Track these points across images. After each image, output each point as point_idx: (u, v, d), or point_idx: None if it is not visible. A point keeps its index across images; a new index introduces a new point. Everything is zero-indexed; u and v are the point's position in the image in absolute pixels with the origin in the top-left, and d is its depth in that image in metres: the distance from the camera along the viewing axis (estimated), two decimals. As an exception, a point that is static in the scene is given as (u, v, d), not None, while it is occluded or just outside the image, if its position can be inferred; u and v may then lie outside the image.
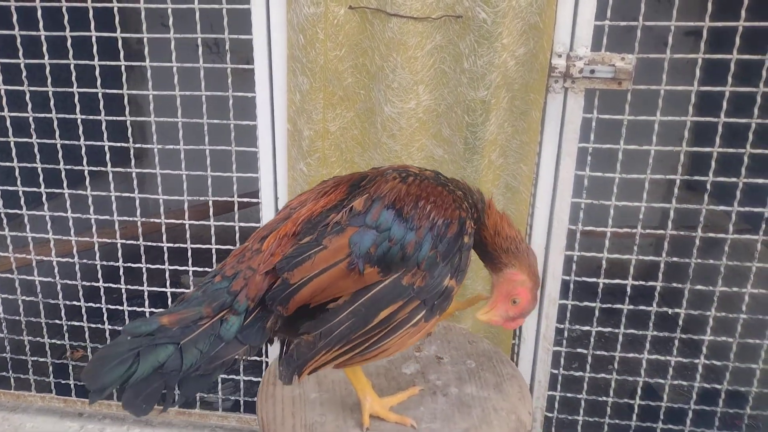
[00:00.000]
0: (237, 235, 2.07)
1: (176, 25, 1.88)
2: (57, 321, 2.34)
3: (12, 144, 2.16)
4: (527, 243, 1.36)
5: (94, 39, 1.93)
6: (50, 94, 2.06)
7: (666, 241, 1.93)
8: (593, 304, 2.01)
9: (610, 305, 2.02)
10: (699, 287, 1.94)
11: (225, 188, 2.18)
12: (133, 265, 2.21)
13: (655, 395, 2.16)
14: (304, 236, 1.20)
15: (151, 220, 2.23)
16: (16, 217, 2.30)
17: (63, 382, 2.45)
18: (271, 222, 1.29)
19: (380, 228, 1.18)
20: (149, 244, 2.22)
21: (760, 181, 1.82)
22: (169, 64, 1.94)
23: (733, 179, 1.81)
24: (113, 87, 2.04)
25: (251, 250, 1.22)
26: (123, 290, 2.25)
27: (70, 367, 2.53)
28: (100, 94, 2.01)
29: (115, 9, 1.89)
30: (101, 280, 2.27)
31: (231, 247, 1.41)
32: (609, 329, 2.07)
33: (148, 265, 2.21)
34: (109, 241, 2.30)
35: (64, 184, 2.17)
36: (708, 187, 1.85)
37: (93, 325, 2.34)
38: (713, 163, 1.82)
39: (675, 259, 1.94)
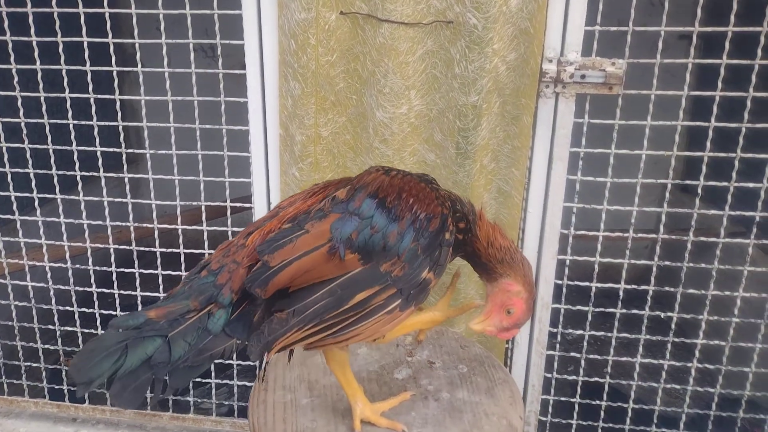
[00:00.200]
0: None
1: (172, 29, 1.88)
2: (50, 326, 2.34)
3: (4, 149, 2.15)
4: (521, 253, 1.36)
5: (85, 44, 1.93)
6: (42, 99, 2.06)
7: (658, 244, 1.93)
8: (586, 308, 2.01)
9: (602, 309, 2.02)
10: (691, 291, 1.94)
11: (218, 193, 2.18)
12: (126, 270, 2.21)
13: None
14: None
15: (144, 225, 2.23)
16: (8, 222, 2.30)
17: (56, 387, 2.45)
18: (258, 220, 1.30)
19: (362, 215, 1.19)
20: (142, 249, 2.22)
21: (751, 185, 1.83)
22: (161, 69, 1.95)
23: (725, 183, 1.82)
24: (109, 92, 2.04)
25: (236, 245, 1.23)
26: (116, 295, 2.25)
27: (64, 373, 2.52)
28: (92, 99, 2.01)
29: (107, 15, 1.89)
30: (94, 285, 2.26)
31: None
32: (602, 333, 2.07)
33: (141, 270, 2.21)
34: (102, 246, 2.30)
35: (57, 189, 2.17)
36: (699, 191, 1.85)
37: (86, 330, 2.34)
38: (704, 167, 1.82)
39: (667, 262, 1.94)
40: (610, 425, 2.15)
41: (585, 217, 1.96)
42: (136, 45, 1.95)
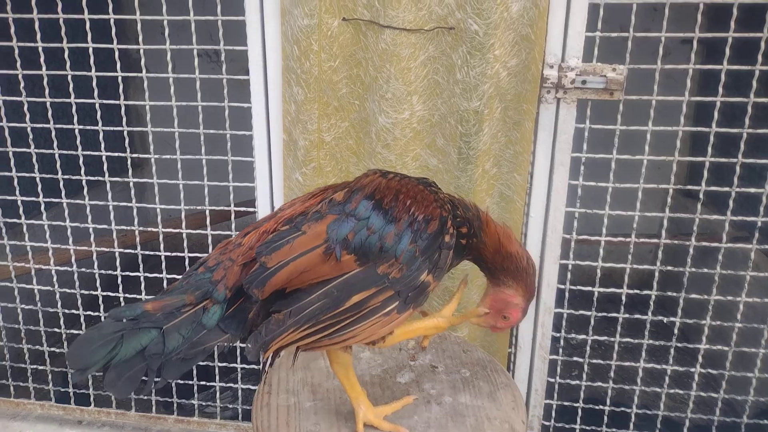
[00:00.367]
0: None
1: (177, 35, 1.90)
2: (56, 329, 2.36)
3: (11, 154, 2.18)
4: (529, 257, 1.35)
5: (91, 50, 1.95)
6: (48, 104, 2.08)
7: (660, 249, 1.93)
8: (588, 313, 2.02)
9: (605, 314, 2.02)
10: (694, 295, 1.94)
11: (222, 197, 2.19)
12: (131, 274, 2.23)
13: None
14: None
15: (149, 229, 2.25)
16: (15, 226, 2.32)
17: (62, 390, 2.46)
18: (258, 221, 1.32)
19: (359, 216, 1.20)
20: (147, 252, 2.23)
21: (753, 190, 1.83)
22: (165, 74, 1.96)
23: (726, 188, 1.82)
24: (115, 97, 2.05)
25: (234, 243, 1.25)
26: (121, 299, 2.27)
27: (69, 375, 2.54)
28: (97, 105, 2.03)
29: (112, 21, 1.90)
30: (100, 289, 2.28)
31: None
32: (605, 337, 2.07)
33: (146, 274, 2.22)
34: (108, 250, 2.32)
35: (63, 194, 2.19)
36: (701, 196, 1.86)
37: (91, 334, 2.35)
38: (705, 173, 1.83)
39: (670, 267, 1.94)
40: (614, 430, 2.14)
41: (587, 222, 1.96)
42: (141, 50, 1.96)
